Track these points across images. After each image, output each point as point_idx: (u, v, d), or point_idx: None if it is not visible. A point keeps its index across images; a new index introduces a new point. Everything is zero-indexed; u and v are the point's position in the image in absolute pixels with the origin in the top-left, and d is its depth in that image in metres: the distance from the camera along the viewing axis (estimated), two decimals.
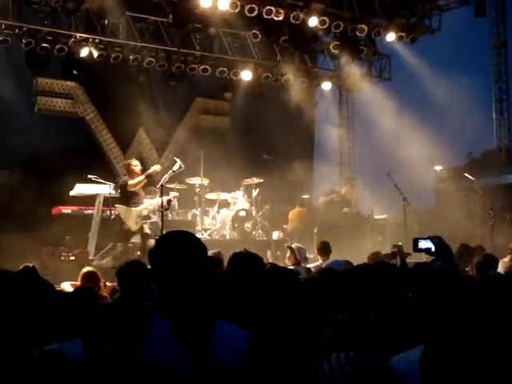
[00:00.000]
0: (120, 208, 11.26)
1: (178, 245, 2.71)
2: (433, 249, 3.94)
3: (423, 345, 2.72)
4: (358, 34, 14.80)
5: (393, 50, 15.90)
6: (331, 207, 14.34)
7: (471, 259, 6.80)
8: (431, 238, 3.96)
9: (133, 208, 11.11)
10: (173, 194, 12.39)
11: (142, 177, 11.19)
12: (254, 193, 13.67)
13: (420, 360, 2.50)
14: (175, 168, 11.20)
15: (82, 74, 13.71)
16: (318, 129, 18.70)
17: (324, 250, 8.88)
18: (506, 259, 8.68)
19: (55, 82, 14.70)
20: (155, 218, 11.45)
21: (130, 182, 11.16)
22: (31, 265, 6.56)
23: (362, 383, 2.38)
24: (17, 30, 12.77)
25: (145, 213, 11.34)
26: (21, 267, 6.32)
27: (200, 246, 2.76)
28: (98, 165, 13.97)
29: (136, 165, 11.46)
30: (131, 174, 11.34)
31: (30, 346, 2.74)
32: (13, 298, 2.81)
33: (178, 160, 11.31)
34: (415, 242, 4.08)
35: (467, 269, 6.61)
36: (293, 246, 9.30)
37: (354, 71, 15.70)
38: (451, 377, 2.38)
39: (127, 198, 11.20)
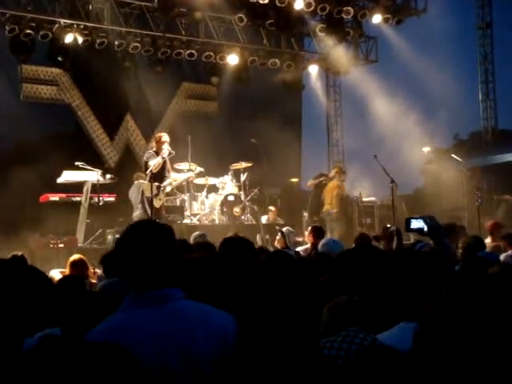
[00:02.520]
0: (142, 183, 11.34)
1: (141, 233, 2.74)
2: (425, 229, 3.91)
3: (415, 323, 2.74)
4: (344, 16, 14.75)
5: (379, 32, 15.85)
6: (320, 190, 14.31)
7: (456, 239, 6.81)
8: (424, 218, 3.93)
9: (155, 183, 11.11)
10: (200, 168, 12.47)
11: (159, 159, 11.18)
12: (243, 177, 13.57)
13: (413, 336, 2.50)
14: (165, 155, 11.20)
15: (67, 61, 13.63)
16: (306, 112, 18.69)
17: (317, 234, 8.84)
18: (488, 240, 8.66)
19: (40, 69, 14.52)
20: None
21: (150, 162, 11.14)
22: (19, 253, 6.50)
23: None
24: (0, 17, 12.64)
25: (168, 189, 11.42)
26: (9, 256, 6.26)
27: (164, 233, 2.77)
28: (85, 151, 13.95)
29: (165, 141, 11.36)
30: (159, 149, 11.31)
31: (22, 334, 2.72)
32: (4, 286, 2.78)
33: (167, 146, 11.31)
34: (407, 221, 4.04)
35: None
36: (283, 229, 9.30)
37: (340, 54, 15.64)
38: (443, 354, 2.38)
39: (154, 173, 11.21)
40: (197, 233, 8.39)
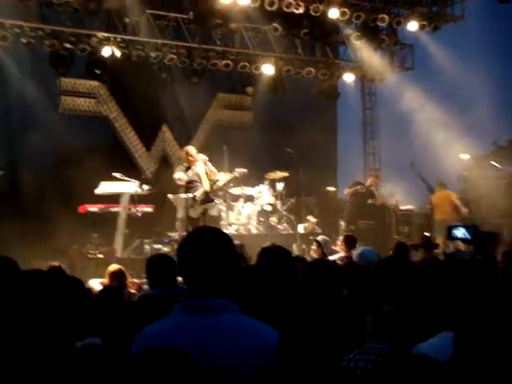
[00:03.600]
0: (176, 196, 11.53)
1: (205, 240, 2.69)
2: (466, 237, 3.85)
3: (453, 332, 2.72)
4: (379, 23, 14.66)
5: (415, 38, 15.71)
6: (356, 198, 14.25)
7: (497, 247, 6.71)
8: (466, 226, 3.87)
9: (181, 195, 11.24)
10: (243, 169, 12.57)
11: (186, 172, 11.42)
12: (279, 187, 13.65)
13: (453, 344, 2.47)
14: (197, 168, 11.46)
15: (105, 74, 13.74)
16: (341, 120, 18.61)
17: (349, 243, 8.82)
18: None
19: (78, 82, 14.72)
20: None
21: (175, 175, 11.43)
22: (57, 264, 6.57)
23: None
24: (40, 32, 12.84)
25: (221, 183, 11.58)
26: (47, 267, 6.32)
27: (226, 242, 2.73)
28: (122, 163, 14.06)
29: (192, 154, 11.62)
30: (190, 162, 11.60)
31: (72, 339, 2.75)
32: (44, 296, 2.81)
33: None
34: (448, 230, 3.98)
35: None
36: (319, 238, 9.29)
37: (375, 61, 15.55)
38: (482, 362, 2.34)
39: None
40: (235, 243, 8.40)
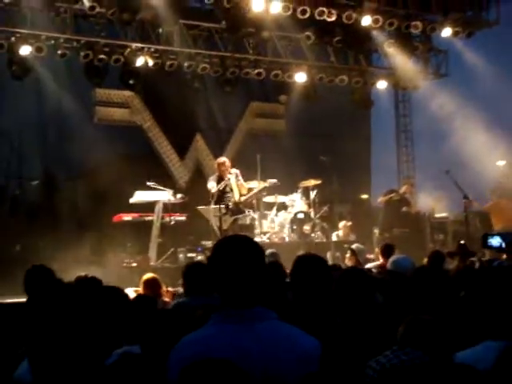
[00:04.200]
0: (200, 208, 11.68)
1: (236, 250, 2.70)
2: (503, 245, 3.79)
3: (498, 342, 2.68)
4: (412, 30, 14.57)
5: (450, 44, 15.57)
6: (390, 206, 14.17)
7: None
8: (501, 234, 3.81)
9: (212, 206, 11.36)
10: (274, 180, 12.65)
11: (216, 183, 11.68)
12: (312, 195, 13.59)
13: (498, 356, 2.43)
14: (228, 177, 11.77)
15: (139, 83, 13.85)
16: (375, 128, 18.52)
17: (387, 252, 8.77)
18: None
19: (113, 93, 14.88)
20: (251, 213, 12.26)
21: (208, 185, 11.71)
22: (89, 275, 6.59)
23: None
24: (75, 43, 12.99)
25: (231, 208, 11.68)
26: (82, 276, 6.33)
27: (258, 251, 2.74)
28: (156, 172, 14.17)
29: (225, 166, 11.82)
30: (222, 173, 11.83)
31: (109, 348, 2.77)
32: (82, 305, 2.84)
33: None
34: (484, 238, 3.93)
35: None
36: (353, 246, 9.27)
37: (409, 69, 15.44)
38: None
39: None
40: (269, 251, 8.42)
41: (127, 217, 12.47)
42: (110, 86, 14.51)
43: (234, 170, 11.81)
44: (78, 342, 2.60)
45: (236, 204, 11.84)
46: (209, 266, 2.75)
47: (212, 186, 11.70)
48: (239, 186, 11.81)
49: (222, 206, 11.41)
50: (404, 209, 14.22)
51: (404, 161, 18.50)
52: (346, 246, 10.32)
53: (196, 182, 15.26)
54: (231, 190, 11.78)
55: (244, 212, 12.31)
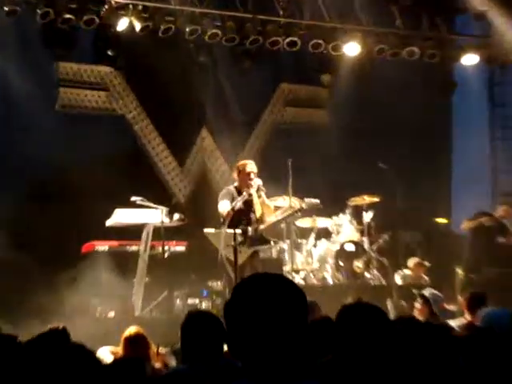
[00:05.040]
0: (207, 232, 11.50)
1: (264, 295, 2.68)
2: None
3: None
4: None
5: None
6: (480, 235, 14.10)
7: None
8: None
9: (225, 229, 11.21)
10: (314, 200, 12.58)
11: (240, 200, 11.39)
12: (366, 217, 13.66)
13: None
14: (252, 190, 11.43)
15: (120, 56, 13.95)
16: (458, 124, 18.45)
17: (475, 304, 8.74)
18: None
19: (83, 68, 14.99)
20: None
21: (220, 205, 11.44)
22: (61, 326, 6.63)
23: None
24: None
25: (251, 235, 11.54)
26: (47, 329, 6.36)
27: (297, 296, 2.73)
28: (144, 181, 14.17)
29: (248, 172, 11.61)
30: (241, 183, 11.60)
31: None
32: (43, 368, 2.87)
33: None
34: None
35: None
36: (425, 292, 9.27)
37: (510, 37, 15.38)
38: None
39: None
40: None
41: (102, 246, 12.52)
42: (79, 59, 14.64)
43: (256, 181, 11.67)
44: None
45: (258, 229, 11.75)
46: (225, 320, 2.73)
47: (225, 208, 11.44)
48: (261, 203, 11.72)
49: (239, 230, 11.34)
50: (500, 239, 14.15)
51: (502, 170, 18.39)
52: (415, 291, 10.24)
53: (201, 196, 15.31)
54: (252, 209, 11.68)
55: (269, 241, 12.23)
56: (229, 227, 11.21)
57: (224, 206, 11.40)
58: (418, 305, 9.40)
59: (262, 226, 11.71)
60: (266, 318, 2.63)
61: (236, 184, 11.79)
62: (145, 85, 15.38)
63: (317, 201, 12.82)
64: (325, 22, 14.82)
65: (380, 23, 15.21)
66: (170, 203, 13.68)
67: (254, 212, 11.65)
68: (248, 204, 11.57)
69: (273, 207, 12.04)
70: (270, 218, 12.03)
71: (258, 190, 11.61)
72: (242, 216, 11.55)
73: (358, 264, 13.32)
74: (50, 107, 14.51)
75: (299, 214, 13.12)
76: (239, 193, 11.56)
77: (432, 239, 15.75)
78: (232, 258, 10.89)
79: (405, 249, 14.19)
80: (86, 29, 13.28)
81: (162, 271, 12.30)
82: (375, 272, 13.44)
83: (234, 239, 10.97)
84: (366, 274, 13.34)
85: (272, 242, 12.40)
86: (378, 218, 13.71)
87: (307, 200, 12.73)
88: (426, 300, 9.09)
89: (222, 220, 11.39)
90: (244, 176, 11.63)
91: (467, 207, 15.55)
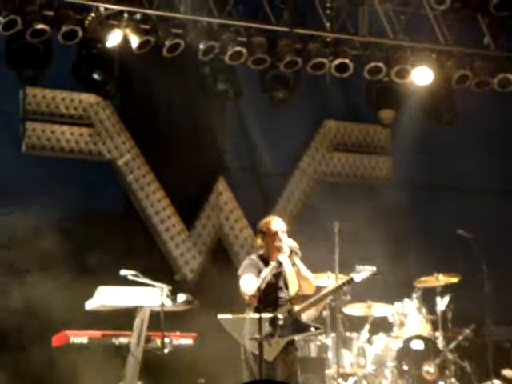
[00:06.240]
0: (223, 319, 11.15)
1: None
2: None
3: None
4: None
5: None
6: None
7: None
8: None
9: (246, 315, 10.99)
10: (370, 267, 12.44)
11: (267, 271, 11.07)
12: (441, 303, 13.60)
13: None
14: (282, 257, 11.15)
15: (110, 81, 13.95)
16: None
17: None
18: None
19: (60, 96, 15.07)
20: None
21: (242, 282, 11.13)
22: None
23: None
24: None
25: (284, 320, 11.13)
26: None
27: None
28: (138, 250, 14.41)
29: (278, 235, 11.28)
30: (270, 249, 11.28)
31: None
32: None
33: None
34: None
35: None
36: None
37: None
38: None
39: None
40: None
41: (79, 337, 12.35)
42: (54, 84, 14.70)
43: (287, 242, 11.38)
44: None
45: (292, 312, 11.51)
46: None
47: (250, 284, 11.20)
48: (296, 274, 11.51)
49: (267, 315, 11.13)
50: None
51: None
52: None
53: (214, 270, 15.28)
54: (284, 282, 11.47)
55: (308, 328, 11.93)
56: (255, 311, 11.01)
57: (248, 283, 11.10)
58: None
59: (297, 307, 11.47)
60: None
61: (261, 252, 11.53)
62: (142, 120, 15.55)
63: (373, 268, 12.52)
64: (387, 38, 14.83)
65: (461, 41, 15.15)
66: (172, 280, 13.97)
67: (286, 287, 11.43)
68: (278, 277, 11.34)
69: (313, 282, 11.73)
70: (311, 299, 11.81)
71: (290, 254, 11.37)
72: (273, 294, 11.32)
73: (429, 369, 13.19)
74: (13, 149, 14.61)
75: (348, 297, 13.17)
76: (266, 263, 11.29)
77: None
78: (260, 352, 10.69)
79: (495, 350, 13.90)
80: (65, 43, 13.33)
81: (161, 373, 12.31)
82: (453, 381, 13.27)
83: (260, 328, 10.77)
84: (441, 383, 13.13)
85: (313, 329, 12.10)
86: (458, 305, 13.56)
87: (360, 270, 12.40)
88: None
89: (245, 302, 11.19)
90: (270, 238, 11.32)
91: None
